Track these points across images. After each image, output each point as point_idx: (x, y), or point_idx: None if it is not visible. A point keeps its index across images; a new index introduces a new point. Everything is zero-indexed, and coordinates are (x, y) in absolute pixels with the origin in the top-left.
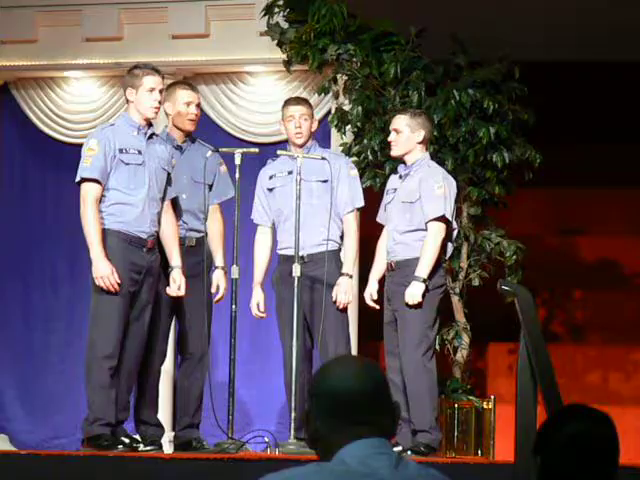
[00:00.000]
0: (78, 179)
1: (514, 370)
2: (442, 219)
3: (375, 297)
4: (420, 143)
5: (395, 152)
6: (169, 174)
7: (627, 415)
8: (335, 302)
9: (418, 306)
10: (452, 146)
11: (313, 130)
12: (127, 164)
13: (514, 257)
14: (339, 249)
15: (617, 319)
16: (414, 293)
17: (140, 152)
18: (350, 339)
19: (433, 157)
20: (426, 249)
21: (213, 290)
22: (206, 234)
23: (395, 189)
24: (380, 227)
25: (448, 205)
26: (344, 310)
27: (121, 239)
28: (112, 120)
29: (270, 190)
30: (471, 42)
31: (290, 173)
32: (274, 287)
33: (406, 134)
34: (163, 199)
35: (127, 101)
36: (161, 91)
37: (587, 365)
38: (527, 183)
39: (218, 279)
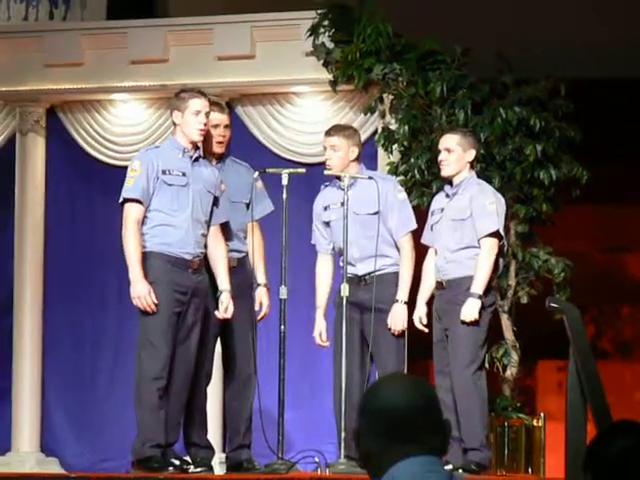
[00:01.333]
0: (121, 200)
1: (564, 387)
2: (496, 235)
3: (425, 321)
4: (470, 162)
5: (446, 172)
6: (216, 198)
7: None
8: (390, 329)
9: (474, 323)
10: (499, 164)
11: (352, 158)
12: (170, 185)
13: (562, 274)
14: (397, 271)
15: None
16: (471, 310)
17: (184, 174)
18: (405, 362)
19: (480, 175)
20: (481, 266)
21: (256, 307)
22: (247, 253)
23: (442, 209)
24: (423, 248)
25: (500, 221)
26: (401, 335)
27: (165, 261)
28: (158, 143)
29: (327, 224)
30: (517, 60)
31: (343, 204)
32: (336, 309)
33: (458, 153)
34: (209, 222)
35: (174, 124)
36: (207, 114)
37: (636, 382)
38: (574, 200)
39: (260, 296)
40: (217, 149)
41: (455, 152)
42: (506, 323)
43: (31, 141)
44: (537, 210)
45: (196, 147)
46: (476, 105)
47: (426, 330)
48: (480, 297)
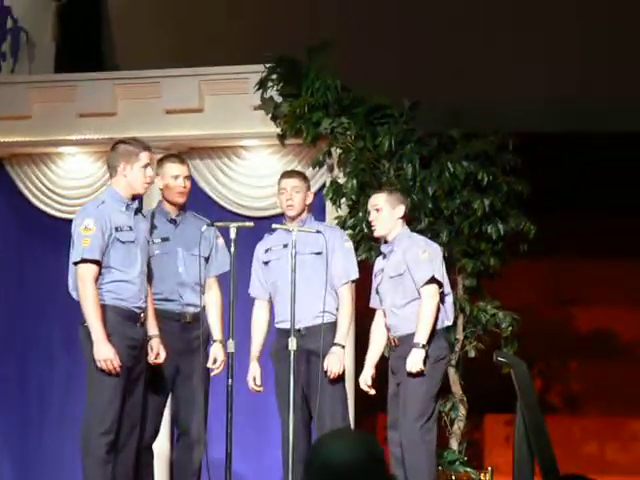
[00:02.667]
0: (76, 259)
1: (511, 441)
2: (433, 281)
3: (369, 383)
4: (400, 218)
5: (378, 232)
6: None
7: None
8: (326, 372)
9: (420, 374)
10: (447, 218)
11: (307, 203)
12: (123, 242)
13: (510, 328)
14: (335, 321)
15: (614, 390)
16: (415, 360)
17: (131, 229)
18: (348, 412)
19: (427, 230)
20: (422, 314)
21: (210, 364)
22: (203, 307)
23: (382, 269)
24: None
25: (436, 267)
26: (339, 381)
27: (119, 315)
28: (99, 196)
29: (266, 263)
30: (465, 114)
31: (285, 246)
32: (273, 361)
33: (387, 211)
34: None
35: (113, 175)
36: (151, 165)
37: (584, 436)
38: (522, 254)
39: (215, 352)
40: (178, 199)
41: (384, 210)
42: (453, 377)
43: None
44: (485, 264)
45: (134, 199)
46: (424, 159)
47: (372, 392)
48: (424, 346)
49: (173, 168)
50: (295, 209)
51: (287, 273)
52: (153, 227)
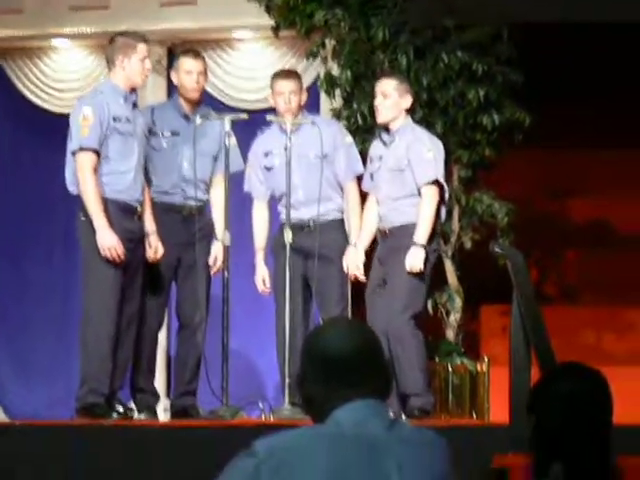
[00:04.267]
0: (75, 148)
1: (508, 332)
2: (435, 183)
3: (362, 268)
4: (406, 110)
5: (382, 118)
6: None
7: (620, 375)
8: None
9: (420, 273)
10: (441, 109)
11: (302, 103)
12: (121, 133)
13: (505, 219)
14: (342, 219)
15: (610, 280)
16: (416, 261)
17: (129, 120)
18: (349, 307)
19: (422, 121)
20: (423, 215)
21: (211, 262)
22: (208, 203)
23: (380, 156)
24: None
25: (439, 168)
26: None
27: (117, 208)
28: (98, 87)
29: (268, 169)
30: (459, 4)
31: (286, 149)
32: (273, 254)
33: (394, 99)
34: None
35: (112, 68)
36: (149, 58)
37: (580, 326)
38: (518, 145)
39: (216, 251)
40: (191, 95)
41: (391, 98)
42: (449, 268)
43: None
44: (480, 155)
45: (133, 91)
46: (418, 50)
47: (363, 278)
48: (424, 246)
49: (186, 63)
50: (293, 111)
51: (293, 177)
52: (164, 120)
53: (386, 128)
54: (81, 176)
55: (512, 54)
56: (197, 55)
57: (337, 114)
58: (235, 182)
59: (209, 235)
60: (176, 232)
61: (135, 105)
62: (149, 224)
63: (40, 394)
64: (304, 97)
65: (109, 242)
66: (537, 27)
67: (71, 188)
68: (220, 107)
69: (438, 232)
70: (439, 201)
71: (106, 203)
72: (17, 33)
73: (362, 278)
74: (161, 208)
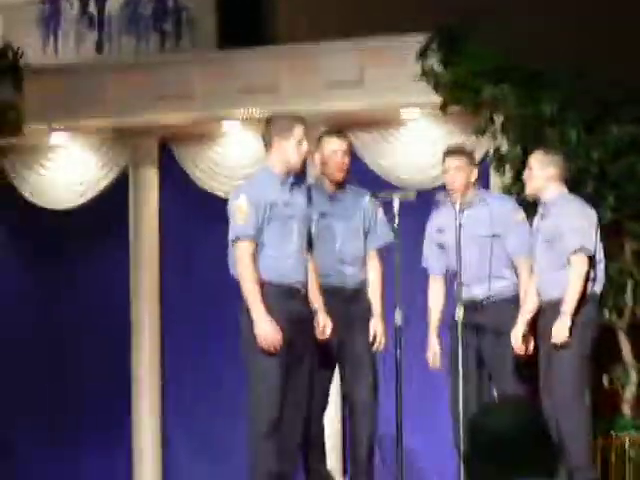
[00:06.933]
0: (233, 238)
1: None
2: (584, 250)
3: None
4: (555, 179)
5: (528, 190)
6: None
7: None
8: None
9: (565, 344)
10: (612, 182)
11: (472, 180)
12: (279, 218)
13: None
14: (513, 296)
15: None
16: (560, 330)
17: (287, 204)
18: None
19: (594, 194)
20: (571, 282)
21: (371, 339)
22: (365, 282)
23: (537, 229)
24: None
25: (588, 235)
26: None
27: (277, 290)
28: (255, 174)
29: (440, 246)
30: (627, 75)
31: (459, 226)
32: (451, 333)
33: (537, 169)
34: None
35: (268, 150)
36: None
37: None
38: None
39: (375, 327)
40: (337, 175)
41: (534, 168)
42: (624, 342)
43: (144, 175)
44: None
45: (289, 174)
46: (587, 125)
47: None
48: (570, 315)
49: (332, 143)
50: (456, 189)
51: (463, 255)
52: (310, 202)
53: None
54: (239, 265)
55: None
56: (342, 135)
57: (507, 190)
58: (406, 262)
59: (368, 316)
60: (335, 314)
61: (295, 186)
62: (316, 302)
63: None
64: (474, 174)
65: (265, 331)
66: None
67: (232, 271)
68: (384, 186)
69: (593, 302)
70: (589, 270)
71: (266, 286)
72: (188, 117)
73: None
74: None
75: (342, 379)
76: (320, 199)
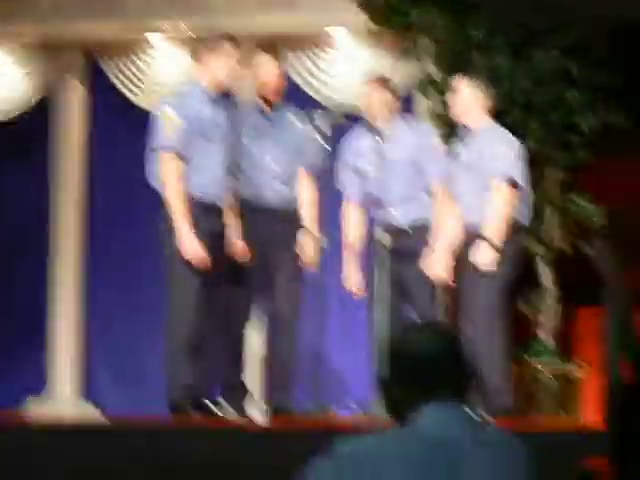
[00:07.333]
0: (157, 148)
1: (601, 334)
2: (510, 180)
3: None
4: (482, 107)
5: (456, 115)
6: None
7: None
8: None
9: (490, 272)
10: (537, 111)
11: (392, 106)
12: (204, 133)
13: (601, 221)
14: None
15: None
16: (485, 257)
17: (213, 121)
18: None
19: (519, 122)
20: (496, 211)
21: (299, 252)
22: (295, 200)
23: (459, 154)
24: None
25: (516, 166)
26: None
27: (200, 207)
28: (184, 87)
29: (358, 171)
30: (556, 3)
31: (378, 153)
32: (370, 257)
33: (467, 95)
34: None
35: (199, 67)
36: (237, 60)
37: None
38: (614, 147)
39: (305, 243)
40: (271, 95)
41: (464, 93)
42: (544, 270)
43: (70, 86)
44: (576, 157)
45: (221, 91)
46: (513, 50)
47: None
48: (495, 243)
49: (267, 63)
50: (386, 114)
51: (382, 183)
52: (245, 120)
53: (464, 126)
54: (163, 178)
55: (610, 56)
56: (276, 55)
57: (432, 114)
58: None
59: (299, 233)
60: (263, 230)
61: (222, 104)
62: (230, 221)
63: (136, 392)
64: (394, 100)
65: (190, 248)
66: (635, 27)
67: (152, 182)
68: (317, 107)
69: (520, 234)
70: (514, 199)
71: (189, 202)
72: (115, 29)
73: (447, 281)
74: (247, 206)
75: (265, 297)
76: (254, 118)
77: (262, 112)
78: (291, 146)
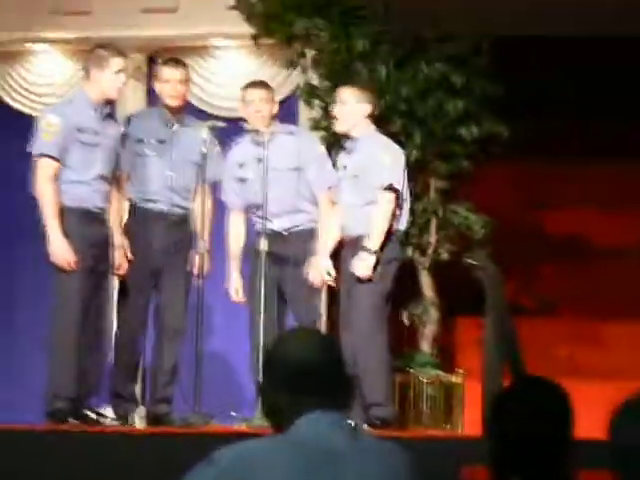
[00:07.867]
0: (37, 153)
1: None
2: (391, 188)
3: (332, 272)
4: (367, 117)
5: (340, 126)
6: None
7: (593, 389)
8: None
9: (368, 280)
10: (420, 120)
11: (274, 113)
12: (84, 144)
13: (482, 231)
14: (313, 229)
15: (586, 292)
16: (363, 265)
17: (96, 132)
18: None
19: (402, 132)
20: (376, 220)
21: (192, 269)
22: (190, 211)
23: (345, 166)
24: None
25: (396, 173)
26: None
27: (75, 215)
28: (68, 96)
29: (242, 180)
30: (441, 15)
31: (260, 161)
32: (249, 263)
33: (351, 106)
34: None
35: (86, 79)
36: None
37: (556, 338)
38: (495, 157)
39: (197, 259)
40: (170, 103)
41: (348, 104)
42: (426, 280)
43: None
44: (458, 167)
45: (107, 103)
46: (398, 61)
47: (332, 282)
48: (375, 252)
49: (165, 72)
50: (266, 119)
51: (264, 191)
52: (149, 128)
53: (349, 137)
54: (38, 182)
55: (491, 67)
56: (177, 63)
57: (316, 124)
58: (219, 191)
59: (190, 245)
60: (159, 239)
61: (110, 116)
62: (117, 236)
63: (14, 397)
64: (275, 107)
65: (56, 250)
66: (516, 41)
67: (32, 190)
68: (202, 116)
69: (396, 240)
70: (395, 207)
71: (65, 211)
72: None
73: (332, 283)
74: (145, 215)
75: (156, 304)
76: (159, 125)
77: (165, 121)
78: (191, 157)
